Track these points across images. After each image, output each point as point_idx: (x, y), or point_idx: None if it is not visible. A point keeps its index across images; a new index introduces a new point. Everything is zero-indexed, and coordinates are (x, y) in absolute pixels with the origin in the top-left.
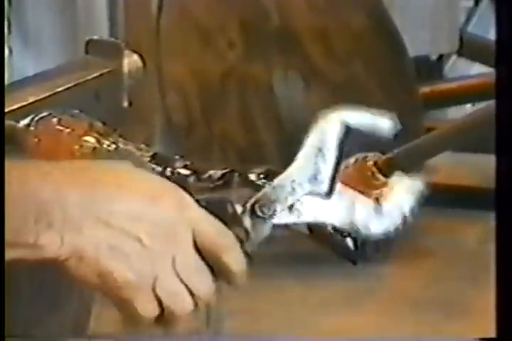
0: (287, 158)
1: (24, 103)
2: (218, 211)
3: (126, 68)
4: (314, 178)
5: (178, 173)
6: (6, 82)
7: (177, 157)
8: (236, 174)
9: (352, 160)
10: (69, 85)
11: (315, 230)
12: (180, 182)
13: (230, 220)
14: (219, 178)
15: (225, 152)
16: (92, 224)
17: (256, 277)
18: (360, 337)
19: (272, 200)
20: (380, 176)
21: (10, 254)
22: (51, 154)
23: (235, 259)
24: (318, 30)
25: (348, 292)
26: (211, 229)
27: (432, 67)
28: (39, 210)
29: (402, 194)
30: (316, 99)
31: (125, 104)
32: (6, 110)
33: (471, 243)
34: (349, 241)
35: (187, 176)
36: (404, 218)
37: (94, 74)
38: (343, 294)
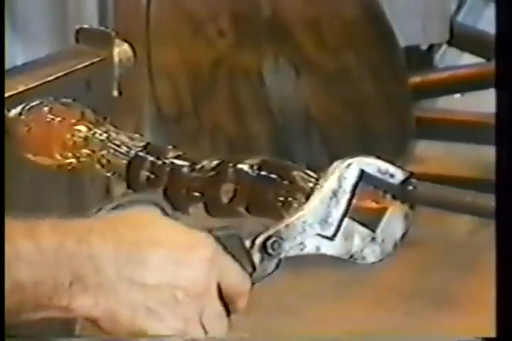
0: (277, 148)
1: (15, 91)
2: (229, 246)
3: (116, 57)
4: (325, 221)
5: (171, 163)
6: None
7: (170, 147)
8: (230, 165)
9: None
10: (60, 74)
11: None
12: (174, 172)
13: (239, 255)
14: (212, 169)
15: (215, 142)
16: (127, 286)
17: None
18: (350, 326)
19: (283, 238)
20: (390, 198)
21: (40, 315)
22: (42, 143)
23: (245, 301)
24: (309, 20)
25: (337, 281)
26: (236, 278)
27: (422, 57)
28: (74, 274)
29: (395, 220)
30: (306, 89)
31: (115, 93)
32: None
33: (461, 234)
34: None
35: (180, 166)
36: (395, 245)
37: (85, 63)
38: (332, 283)
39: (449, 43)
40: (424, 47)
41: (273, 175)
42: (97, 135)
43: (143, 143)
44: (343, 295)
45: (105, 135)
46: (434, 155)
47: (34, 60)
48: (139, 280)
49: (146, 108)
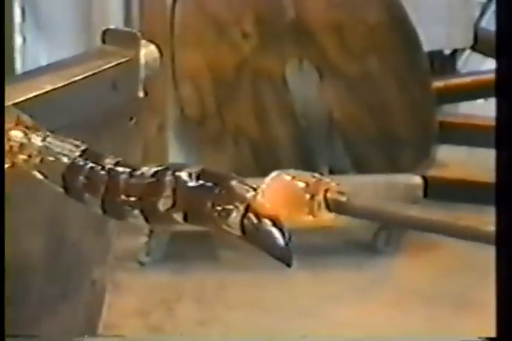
0: (300, 151)
1: (41, 91)
2: None
3: (142, 58)
4: None
5: (110, 169)
6: (20, 70)
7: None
8: (169, 172)
9: (305, 176)
10: (86, 74)
11: (248, 232)
12: (112, 178)
13: None
14: (151, 176)
15: (238, 144)
16: None
17: (265, 268)
18: (370, 328)
19: None
20: (324, 210)
21: None
22: None
23: None
24: (334, 24)
25: (358, 284)
26: None
27: (445, 62)
28: None
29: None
30: (329, 93)
31: (141, 94)
32: (23, 98)
33: None
34: (281, 241)
35: (119, 173)
36: None
37: (111, 64)
38: (353, 286)
39: (473, 48)
40: (447, 52)
41: (210, 184)
42: (33, 140)
43: (81, 149)
44: (364, 297)
45: (42, 140)
46: (455, 159)
47: (61, 60)
48: None
49: (170, 110)
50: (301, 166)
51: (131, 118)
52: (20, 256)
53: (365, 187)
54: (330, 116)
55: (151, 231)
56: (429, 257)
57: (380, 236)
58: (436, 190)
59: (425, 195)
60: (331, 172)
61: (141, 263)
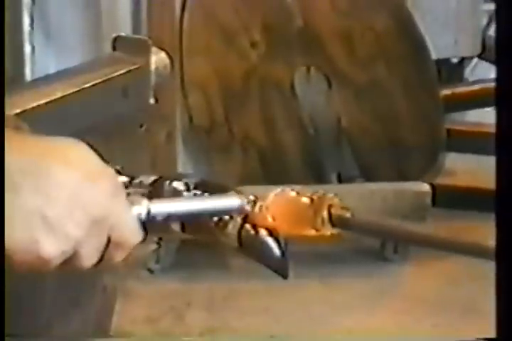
0: (308, 159)
1: (52, 98)
2: None
3: (153, 65)
4: None
5: None
6: (29, 78)
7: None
8: (167, 182)
9: (309, 192)
10: (97, 81)
11: (245, 243)
12: None
13: None
14: (150, 185)
15: (246, 152)
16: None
17: (275, 277)
18: (379, 336)
19: None
20: (328, 225)
21: None
22: None
23: (123, 254)
24: (342, 32)
25: (368, 292)
26: (127, 225)
27: (452, 70)
28: None
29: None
30: (338, 100)
31: (152, 100)
32: (35, 104)
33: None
34: (277, 252)
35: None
36: None
37: (122, 71)
38: (362, 294)
39: (480, 57)
40: (455, 60)
41: (207, 195)
42: None
43: None
44: (373, 305)
45: None
46: (463, 167)
47: (71, 68)
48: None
49: (178, 118)
50: (309, 174)
51: (141, 125)
52: None
53: (374, 195)
54: (338, 124)
55: (160, 239)
56: (438, 266)
57: (388, 245)
58: (445, 198)
59: (433, 202)
60: (339, 179)
61: (150, 271)
